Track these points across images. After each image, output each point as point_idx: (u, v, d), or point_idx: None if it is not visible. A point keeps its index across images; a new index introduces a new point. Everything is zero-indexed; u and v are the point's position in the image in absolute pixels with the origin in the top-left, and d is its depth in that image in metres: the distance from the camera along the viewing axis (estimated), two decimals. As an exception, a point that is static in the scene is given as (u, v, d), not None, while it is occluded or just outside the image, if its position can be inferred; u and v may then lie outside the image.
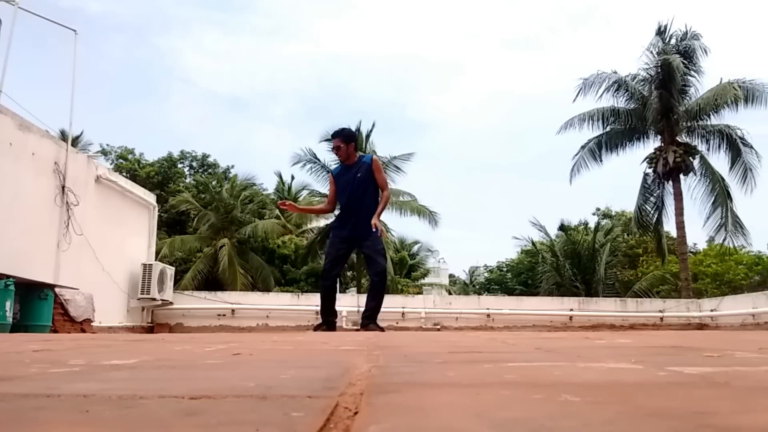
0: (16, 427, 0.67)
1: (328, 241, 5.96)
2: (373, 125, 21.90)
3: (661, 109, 17.15)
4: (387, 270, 5.77)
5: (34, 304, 6.66)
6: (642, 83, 18.17)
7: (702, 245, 26.84)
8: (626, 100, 18.37)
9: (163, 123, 59.85)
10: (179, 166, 27.88)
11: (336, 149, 5.56)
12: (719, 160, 17.39)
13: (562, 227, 23.07)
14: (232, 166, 28.96)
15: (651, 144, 18.33)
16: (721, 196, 16.95)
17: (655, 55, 17.61)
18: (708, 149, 17.61)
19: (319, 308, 5.68)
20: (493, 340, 2.94)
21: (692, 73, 17.57)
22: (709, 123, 17.70)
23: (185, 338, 3.55)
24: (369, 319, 5.35)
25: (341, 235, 5.57)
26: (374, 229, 5.28)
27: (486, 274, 37.23)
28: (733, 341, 2.69)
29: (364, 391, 0.92)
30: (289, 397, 0.87)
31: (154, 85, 64.12)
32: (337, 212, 6.14)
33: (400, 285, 22.78)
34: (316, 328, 5.53)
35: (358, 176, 5.45)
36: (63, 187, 7.95)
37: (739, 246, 19.08)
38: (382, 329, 5.33)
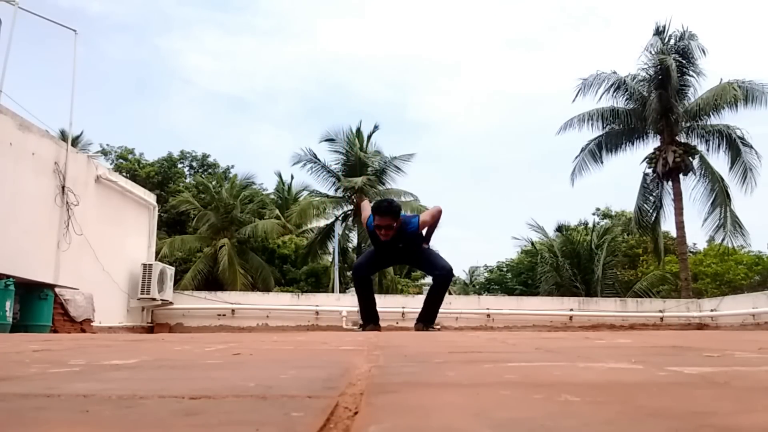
0: (16, 427, 0.67)
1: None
2: (375, 128, 21.91)
3: (661, 109, 17.14)
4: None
5: (34, 304, 6.66)
6: (641, 83, 18.16)
7: (702, 245, 26.85)
8: (626, 101, 18.38)
9: (163, 123, 59.77)
10: (179, 166, 27.88)
11: (386, 228, 4.50)
12: (719, 160, 17.44)
13: (560, 228, 23.08)
14: (232, 166, 29.03)
15: (651, 144, 18.37)
16: (720, 196, 16.95)
17: (654, 56, 17.61)
18: (707, 149, 17.65)
19: (359, 309, 5.10)
20: (493, 340, 2.94)
21: (691, 73, 17.58)
22: (708, 123, 17.71)
23: (185, 338, 3.55)
24: (423, 320, 4.93)
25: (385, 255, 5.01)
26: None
27: (486, 274, 37.16)
28: (733, 341, 2.69)
29: (364, 391, 0.92)
30: (289, 397, 0.87)
31: (154, 85, 64.01)
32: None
33: (400, 285, 22.79)
34: (364, 327, 5.00)
35: (400, 246, 4.77)
36: (63, 187, 7.95)
37: (739, 246, 19.09)
38: (430, 329, 4.96)
